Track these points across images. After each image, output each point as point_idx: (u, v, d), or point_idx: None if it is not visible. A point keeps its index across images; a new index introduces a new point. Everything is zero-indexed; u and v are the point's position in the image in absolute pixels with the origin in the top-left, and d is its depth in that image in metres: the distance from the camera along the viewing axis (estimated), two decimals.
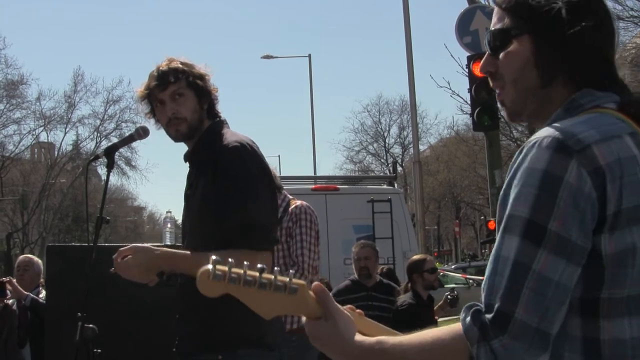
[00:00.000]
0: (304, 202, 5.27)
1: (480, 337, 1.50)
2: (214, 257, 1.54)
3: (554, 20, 1.69)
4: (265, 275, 1.56)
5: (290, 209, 5.16)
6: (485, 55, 1.84)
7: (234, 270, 1.55)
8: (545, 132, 1.59)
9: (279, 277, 1.57)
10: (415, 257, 7.81)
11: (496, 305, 1.51)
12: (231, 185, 3.28)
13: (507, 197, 1.59)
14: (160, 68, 3.49)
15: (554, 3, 1.70)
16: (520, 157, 1.59)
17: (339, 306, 1.70)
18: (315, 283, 1.65)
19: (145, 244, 3.45)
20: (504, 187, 1.61)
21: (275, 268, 1.58)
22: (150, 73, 3.53)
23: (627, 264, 1.56)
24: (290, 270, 1.73)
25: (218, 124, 3.55)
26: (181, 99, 3.46)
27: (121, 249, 3.32)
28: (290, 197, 5.29)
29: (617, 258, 1.56)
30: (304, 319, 1.70)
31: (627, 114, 1.68)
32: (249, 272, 1.55)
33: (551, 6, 1.70)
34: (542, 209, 1.52)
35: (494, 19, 1.82)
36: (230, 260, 1.55)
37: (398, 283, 8.23)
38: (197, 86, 3.48)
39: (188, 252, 3.39)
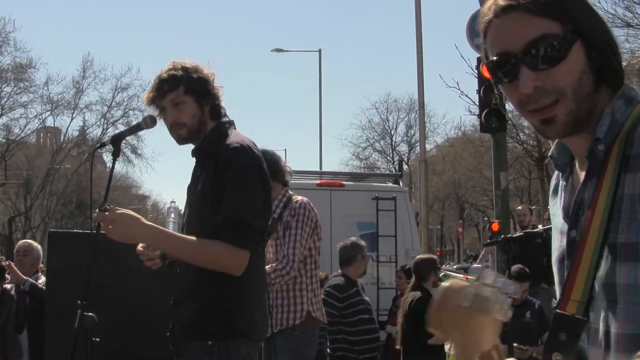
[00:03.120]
0: (305, 198, 5.33)
1: None
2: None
3: (592, 22, 1.62)
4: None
5: (291, 203, 5.24)
6: (526, 72, 1.58)
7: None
8: None
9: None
10: (425, 255, 7.96)
11: None
12: (228, 181, 3.38)
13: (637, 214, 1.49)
14: (160, 76, 3.57)
15: (581, 4, 1.63)
16: None
17: None
18: None
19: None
20: (636, 201, 1.50)
21: None
22: (153, 80, 3.63)
23: None
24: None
25: (223, 124, 3.63)
26: (181, 106, 3.56)
27: (116, 209, 3.26)
28: (292, 193, 5.35)
29: None
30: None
31: None
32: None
33: (586, 7, 1.62)
34: None
35: (528, 28, 1.58)
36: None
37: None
38: (196, 91, 3.56)
39: (176, 233, 3.52)
